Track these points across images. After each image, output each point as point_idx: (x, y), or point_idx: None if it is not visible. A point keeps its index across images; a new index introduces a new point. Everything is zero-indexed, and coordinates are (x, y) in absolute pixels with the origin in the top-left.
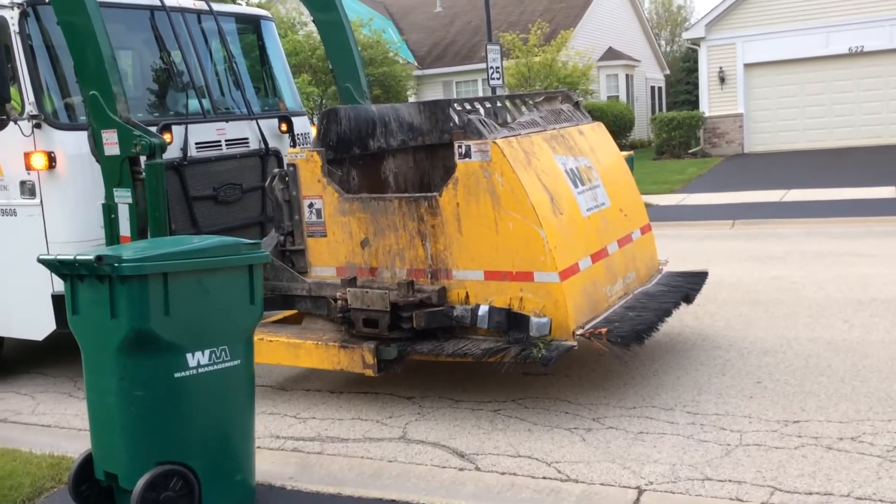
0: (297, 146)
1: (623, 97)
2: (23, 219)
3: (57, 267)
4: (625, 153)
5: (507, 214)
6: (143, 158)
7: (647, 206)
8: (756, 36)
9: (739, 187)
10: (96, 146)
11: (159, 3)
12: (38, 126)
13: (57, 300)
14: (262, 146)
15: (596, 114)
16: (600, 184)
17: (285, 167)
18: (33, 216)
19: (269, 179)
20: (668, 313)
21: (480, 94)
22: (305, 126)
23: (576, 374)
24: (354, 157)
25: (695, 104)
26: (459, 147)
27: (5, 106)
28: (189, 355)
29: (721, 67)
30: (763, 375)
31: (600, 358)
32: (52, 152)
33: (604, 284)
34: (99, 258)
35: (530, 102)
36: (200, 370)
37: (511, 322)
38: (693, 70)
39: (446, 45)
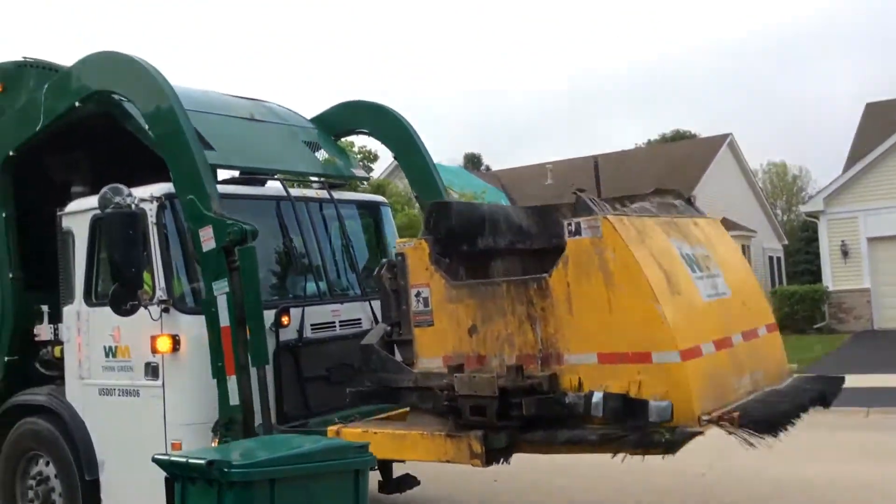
0: None
1: None
2: (145, 399)
3: (169, 467)
4: None
5: (620, 292)
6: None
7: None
8: (879, 209)
9: (872, 369)
10: (195, 248)
11: (284, 194)
12: (165, 310)
13: (171, 484)
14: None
15: None
16: (720, 273)
17: (394, 257)
18: (155, 397)
19: (377, 268)
20: (805, 409)
21: None
22: None
23: None
24: (462, 253)
25: (816, 274)
26: (569, 224)
27: (138, 292)
28: None
29: (843, 241)
30: None
31: None
32: (177, 335)
33: (730, 375)
34: (210, 463)
35: (639, 197)
36: None
37: (628, 409)
38: (812, 240)
39: None
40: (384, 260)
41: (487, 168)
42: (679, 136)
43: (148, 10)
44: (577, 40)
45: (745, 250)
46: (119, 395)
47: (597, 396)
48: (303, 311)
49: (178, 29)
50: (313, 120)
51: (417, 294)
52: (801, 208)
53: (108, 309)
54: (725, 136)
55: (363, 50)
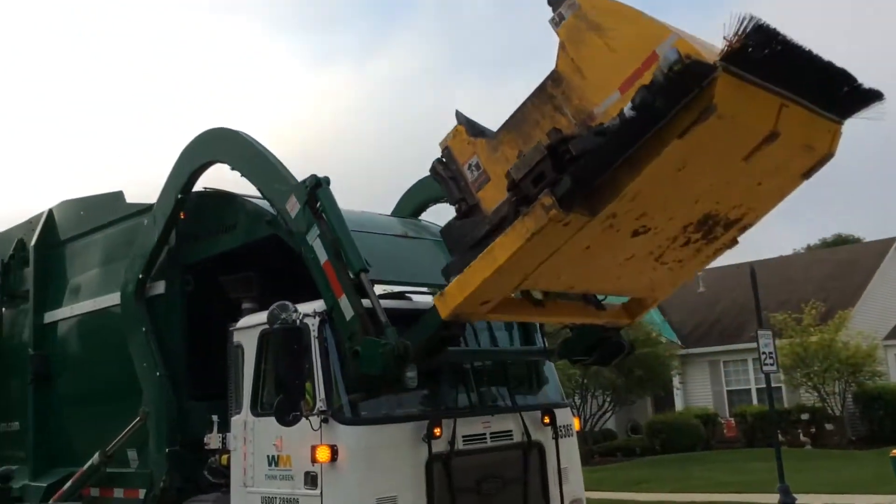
0: (559, 438)
1: None
2: None
3: None
4: None
5: (611, 29)
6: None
7: None
8: None
9: None
10: (287, 222)
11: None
12: (325, 421)
13: None
14: (525, 438)
15: (888, 397)
16: None
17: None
18: None
19: (432, 165)
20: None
21: (751, 373)
22: (568, 417)
23: None
24: None
25: None
26: (553, 19)
27: (300, 403)
28: None
29: None
30: None
31: None
32: (335, 445)
33: None
34: None
35: None
36: None
37: (651, 89)
38: None
39: (711, 324)
40: (434, 160)
41: None
42: (841, 241)
43: (147, 10)
44: None
45: None
46: None
47: (626, 108)
48: (454, 422)
49: (178, 29)
50: (405, 195)
51: (469, 166)
52: None
53: (272, 419)
54: (892, 239)
55: None
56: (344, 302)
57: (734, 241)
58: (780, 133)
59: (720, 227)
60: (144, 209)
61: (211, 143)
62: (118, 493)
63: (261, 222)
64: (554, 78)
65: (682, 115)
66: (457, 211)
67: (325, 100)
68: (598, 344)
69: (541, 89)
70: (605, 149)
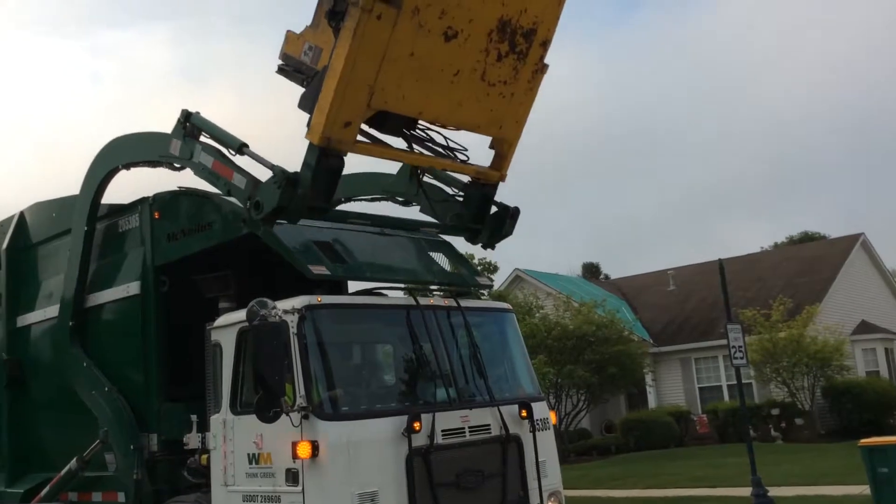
0: (537, 431)
1: (884, 373)
2: None
3: None
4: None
5: None
6: None
7: None
8: None
9: None
10: (179, 159)
11: (414, 303)
12: (305, 417)
13: None
14: (503, 432)
15: (855, 391)
16: None
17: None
18: (294, 503)
19: (278, 68)
20: None
21: (722, 370)
22: (544, 411)
23: None
24: None
25: None
26: None
27: (280, 399)
28: None
29: None
30: None
31: None
32: (316, 441)
33: None
34: None
35: None
36: None
37: None
38: None
39: (681, 322)
40: (277, 66)
41: (606, 277)
42: (808, 238)
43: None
44: (695, 143)
45: (889, 354)
46: (262, 502)
47: None
48: (433, 417)
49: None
50: None
51: (304, 53)
52: None
53: (251, 417)
54: (857, 235)
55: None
56: (236, 177)
57: (544, 64)
58: None
59: (521, 38)
60: (119, 209)
61: (100, 159)
62: (96, 496)
63: (237, 221)
64: None
65: None
66: (306, 87)
67: None
68: (484, 208)
69: None
70: None
